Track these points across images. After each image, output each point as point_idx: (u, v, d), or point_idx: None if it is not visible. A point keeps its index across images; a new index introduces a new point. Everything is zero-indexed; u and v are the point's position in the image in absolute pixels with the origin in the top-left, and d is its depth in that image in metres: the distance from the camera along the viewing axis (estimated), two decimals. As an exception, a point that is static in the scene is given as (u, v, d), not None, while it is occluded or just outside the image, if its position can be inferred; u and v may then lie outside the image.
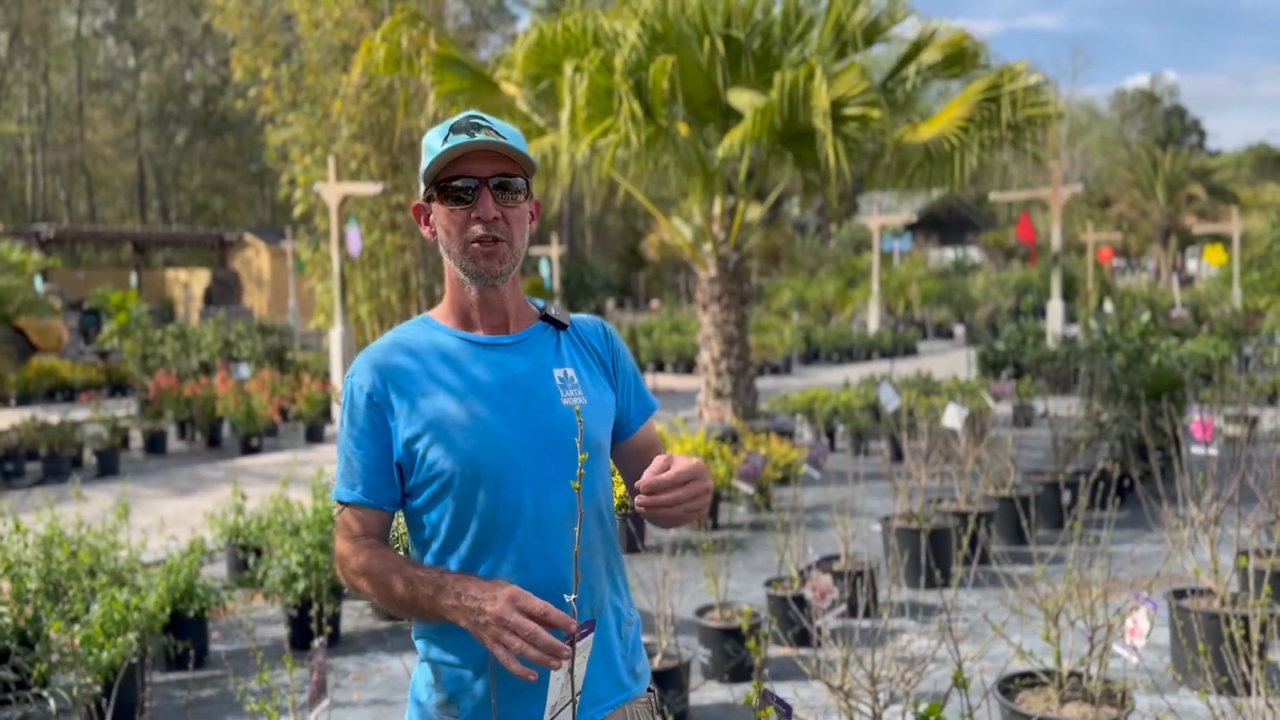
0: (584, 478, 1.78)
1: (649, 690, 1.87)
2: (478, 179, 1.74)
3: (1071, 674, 3.60)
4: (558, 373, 1.82)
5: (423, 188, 1.80)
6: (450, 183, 1.75)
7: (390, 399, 1.74)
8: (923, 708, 3.96)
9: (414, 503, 1.77)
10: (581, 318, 1.95)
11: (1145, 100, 61.18)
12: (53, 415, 11.51)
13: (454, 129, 1.75)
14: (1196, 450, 4.97)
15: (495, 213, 1.74)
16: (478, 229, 1.74)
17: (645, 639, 4.71)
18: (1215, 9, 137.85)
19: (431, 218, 1.81)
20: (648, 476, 1.60)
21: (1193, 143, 60.24)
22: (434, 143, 1.77)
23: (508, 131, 1.78)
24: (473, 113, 1.79)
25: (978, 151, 8.57)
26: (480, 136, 1.72)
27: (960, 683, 1.92)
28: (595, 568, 1.79)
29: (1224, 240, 29.43)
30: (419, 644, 1.81)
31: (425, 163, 1.77)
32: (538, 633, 1.49)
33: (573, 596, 1.49)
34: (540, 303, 1.92)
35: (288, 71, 14.00)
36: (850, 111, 8.00)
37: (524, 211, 1.80)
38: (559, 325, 1.89)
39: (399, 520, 1.90)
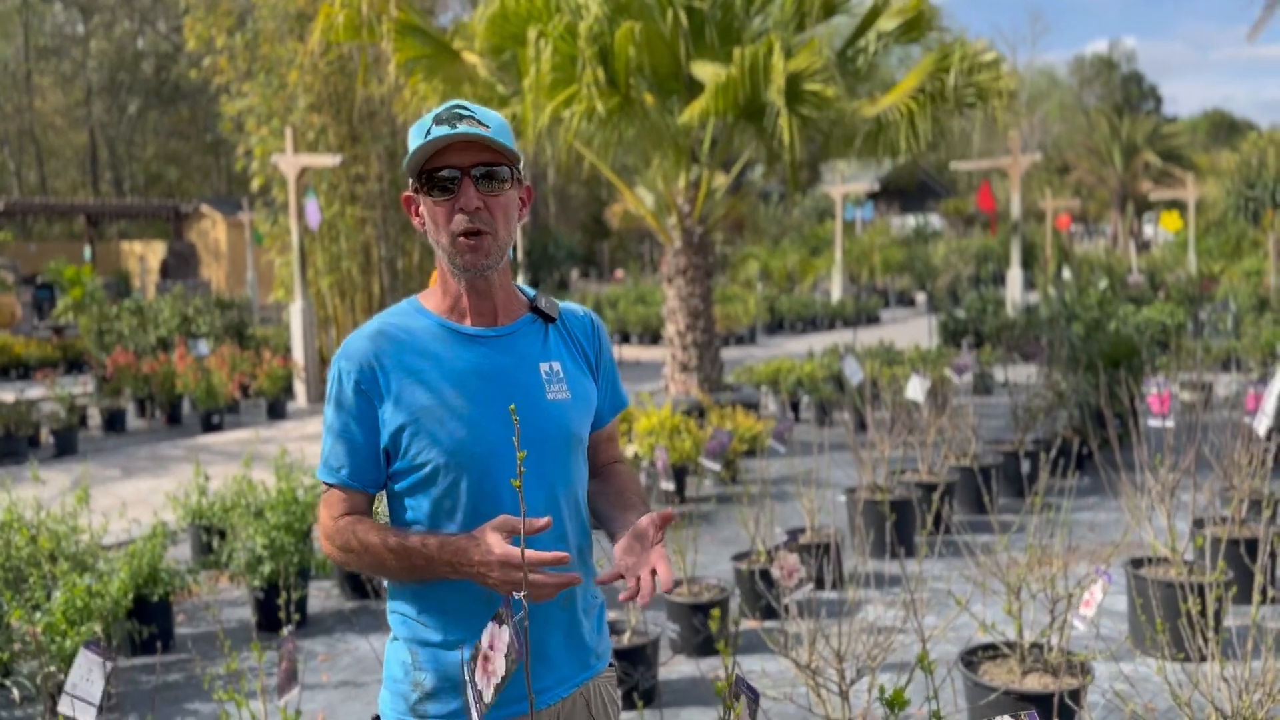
0: (564, 470, 1.84)
1: (610, 665, 1.94)
2: (460, 169, 1.74)
3: (1033, 645, 3.67)
4: (544, 366, 1.84)
5: (410, 180, 1.81)
6: (434, 174, 1.75)
7: (377, 385, 1.76)
8: (887, 682, 4.02)
9: (396, 486, 1.80)
10: (570, 308, 1.96)
11: (1104, 66, 61.58)
12: (7, 394, 11.32)
13: (437, 120, 1.75)
14: (1153, 423, 5.05)
15: (478, 202, 1.74)
16: (461, 221, 1.74)
17: (614, 615, 4.74)
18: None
19: (420, 209, 1.82)
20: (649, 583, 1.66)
21: (1150, 109, 60.82)
22: (419, 133, 1.77)
23: (492, 120, 1.78)
24: (456, 102, 1.79)
25: (928, 122, 8.60)
26: (462, 127, 1.72)
27: (926, 666, 1.95)
28: (569, 553, 1.82)
29: (1180, 206, 29.83)
30: (395, 619, 1.84)
31: (409, 153, 1.78)
32: (535, 583, 1.61)
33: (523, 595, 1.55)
34: (531, 292, 1.93)
35: (242, 40, 13.73)
36: (807, 88, 7.98)
37: (510, 200, 1.80)
38: (547, 318, 1.89)
39: (380, 498, 1.92)
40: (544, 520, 1.63)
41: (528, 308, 1.89)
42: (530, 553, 1.59)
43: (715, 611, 1.66)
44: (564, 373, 1.85)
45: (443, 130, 1.72)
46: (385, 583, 1.91)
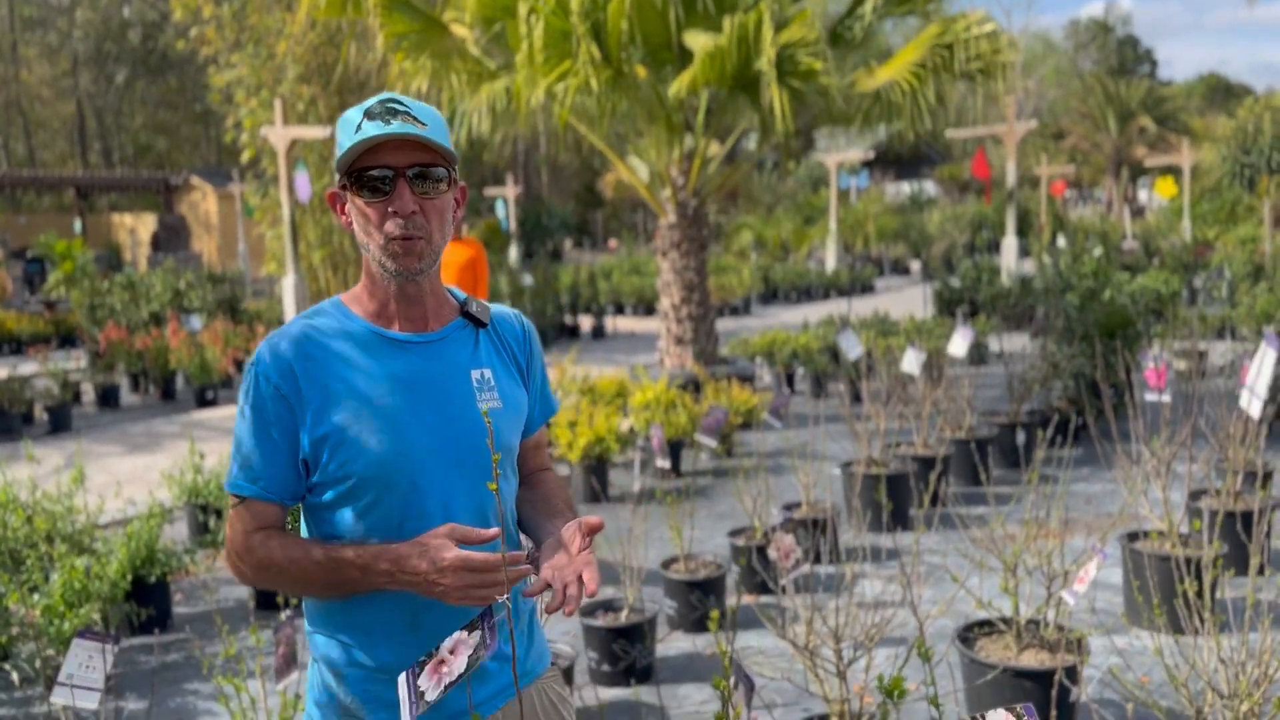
0: (497, 481, 1.77)
1: (552, 664, 1.91)
2: (394, 169, 1.64)
3: (1030, 622, 3.68)
4: (475, 374, 1.76)
5: (336, 176, 1.70)
6: (365, 173, 1.64)
7: (299, 392, 1.65)
8: (884, 658, 4.04)
9: (316, 499, 1.70)
10: (501, 312, 1.89)
11: (1099, 30, 61.20)
12: (0, 370, 11.27)
13: (369, 114, 1.64)
14: (1150, 397, 5.05)
15: (413, 206, 1.64)
16: (394, 226, 1.65)
17: (612, 591, 4.75)
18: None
19: (348, 207, 1.70)
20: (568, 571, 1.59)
21: (1145, 72, 60.53)
22: (348, 128, 1.65)
23: (428, 116, 1.68)
24: (388, 95, 1.68)
25: (930, 97, 8.55)
26: (396, 124, 1.61)
27: (924, 654, 1.95)
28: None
29: (1175, 172, 29.75)
30: (317, 640, 1.75)
31: (339, 148, 1.67)
32: (489, 584, 1.55)
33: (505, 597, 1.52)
34: (461, 295, 1.85)
35: (230, 10, 13.55)
36: (799, 59, 7.91)
37: (445, 202, 1.70)
38: (478, 323, 1.82)
39: (294, 511, 1.83)
40: (494, 530, 1.56)
41: (458, 312, 1.81)
42: (482, 555, 1.54)
43: (714, 613, 1.64)
44: (495, 380, 1.78)
45: (376, 126, 1.61)
46: (303, 607, 1.81)
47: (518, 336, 1.87)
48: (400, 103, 1.66)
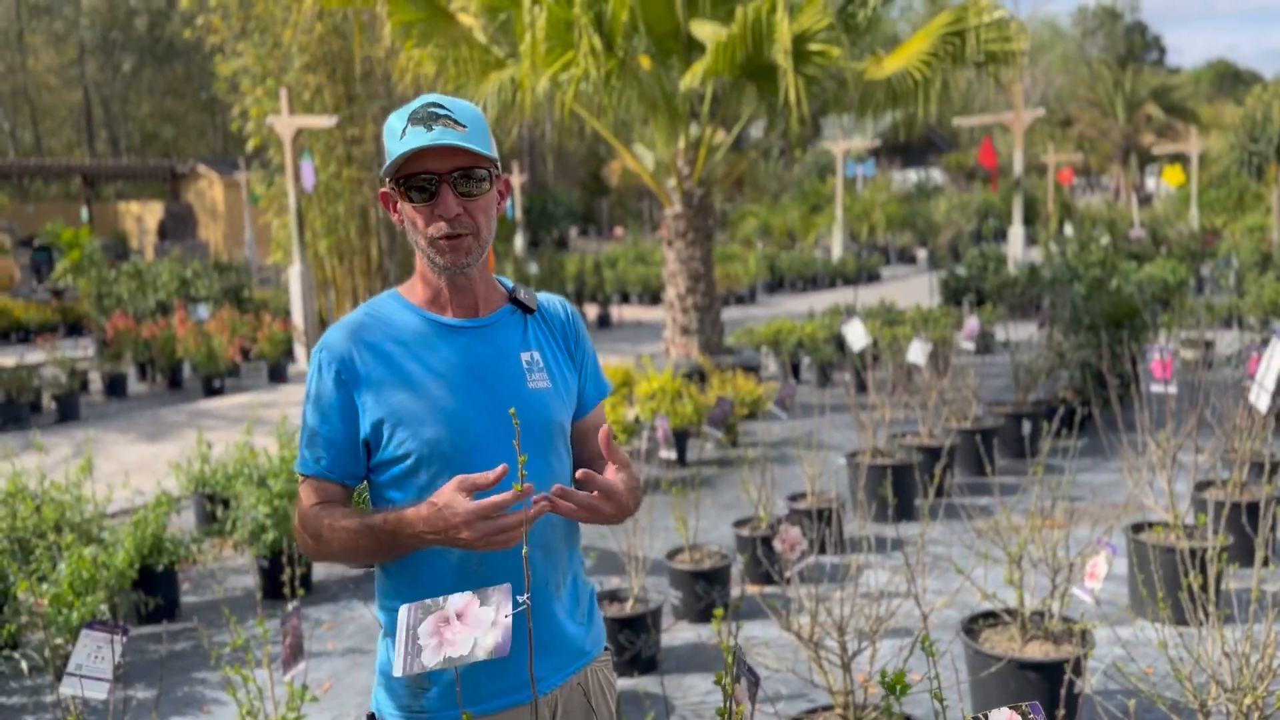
0: (546, 457, 1.83)
1: (606, 649, 1.96)
2: (437, 175, 1.73)
3: (1034, 613, 3.69)
4: (524, 356, 1.85)
5: (386, 180, 1.79)
6: (411, 178, 1.74)
7: (359, 377, 1.76)
8: (888, 650, 4.05)
9: (379, 479, 1.80)
10: (547, 299, 1.97)
11: (1107, 16, 60.82)
12: (8, 358, 11.32)
13: (413, 118, 1.72)
14: (1156, 389, 5.05)
15: (457, 209, 1.74)
16: (439, 228, 1.74)
17: (617, 583, 4.77)
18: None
19: (399, 206, 1.80)
20: (599, 480, 1.70)
21: (1153, 59, 60.18)
22: (393, 135, 1.74)
23: (468, 117, 1.75)
24: (431, 99, 1.75)
25: (939, 87, 8.52)
26: (437, 130, 1.70)
27: (928, 649, 1.96)
28: (557, 544, 1.84)
29: (1183, 160, 29.61)
30: (382, 616, 1.85)
31: (386, 155, 1.75)
32: (508, 525, 1.59)
33: (525, 596, 1.49)
34: (509, 284, 1.94)
35: (235, -1, 13.53)
36: (812, 48, 7.89)
37: (489, 199, 1.79)
38: (526, 309, 1.91)
39: (361, 488, 1.91)
40: (499, 469, 1.60)
41: (507, 299, 1.90)
42: (493, 498, 1.58)
43: (718, 612, 1.64)
44: (544, 362, 1.86)
45: (419, 133, 1.70)
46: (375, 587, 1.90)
47: (563, 321, 1.95)
48: (442, 106, 1.74)
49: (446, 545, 1.65)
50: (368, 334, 1.79)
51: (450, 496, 1.62)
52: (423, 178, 1.72)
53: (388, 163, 1.74)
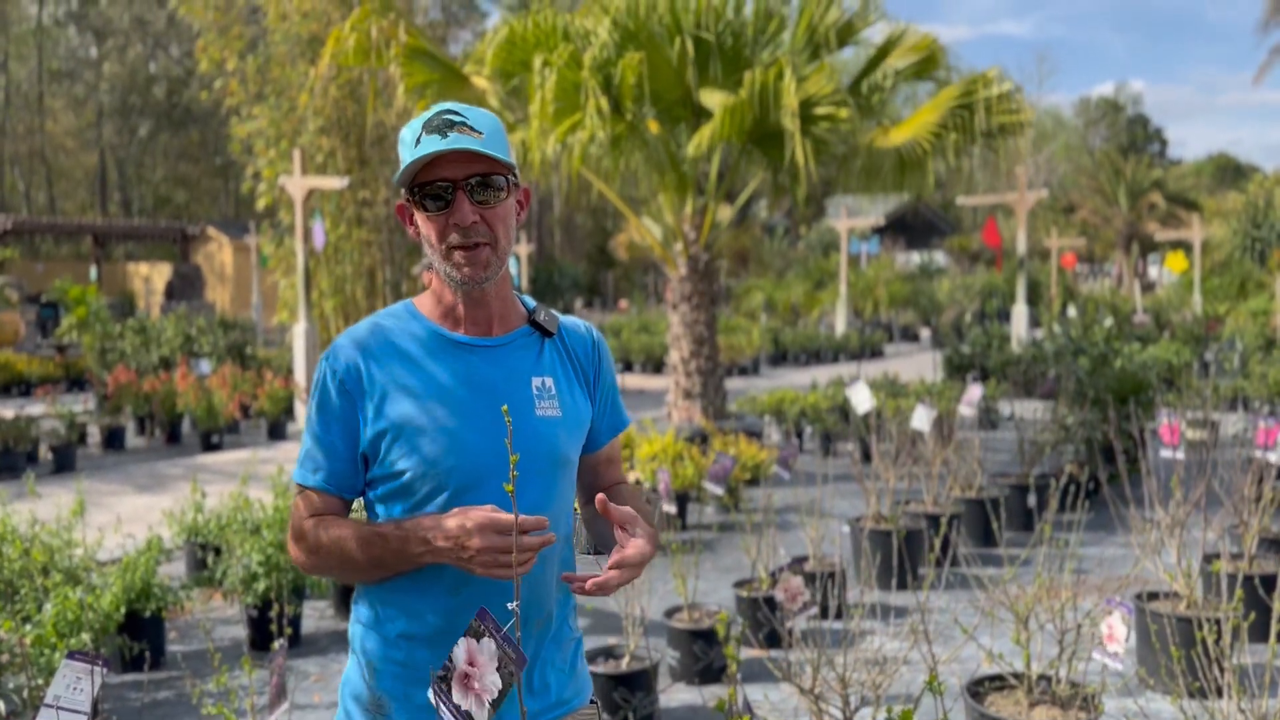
0: (548, 491, 1.75)
1: (591, 701, 1.85)
2: (453, 182, 1.67)
3: (1040, 677, 3.59)
4: (535, 381, 1.76)
5: (402, 190, 1.74)
6: (425, 186, 1.68)
7: (362, 388, 1.70)
8: (894, 710, 3.93)
9: (372, 494, 1.74)
10: (571, 323, 1.89)
11: (1109, 108, 61.92)
12: (8, 410, 11.28)
13: (427, 127, 1.67)
14: (1165, 454, 4.98)
15: (473, 217, 1.68)
16: (455, 237, 1.68)
17: (614, 640, 4.65)
18: (1180, 20, 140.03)
19: (415, 218, 1.75)
20: (615, 557, 1.62)
21: (1155, 151, 61.08)
22: (408, 142, 1.70)
23: (485, 124, 1.70)
24: (446, 106, 1.70)
25: (950, 158, 8.61)
26: (453, 137, 1.65)
27: (935, 688, 1.88)
28: (548, 580, 1.75)
29: (1185, 247, 29.83)
30: (356, 631, 1.77)
31: (401, 164, 1.70)
32: (524, 547, 1.53)
33: (514, 604, 1.45)
34: (531, 303, 1.85)
35: (254, 64, 13.79)
36: (819, 111, 7.99)
37: (508, 208, 1.73)
38: (546, 332, 1.82)
39: (358, 504, 1.85)
40: (535, 520, 1.55)
41: (525, 320, 1.82)
42: (510, 516, 1.53)
43: (729, 649, 1.58)
44: (556, 389, 1.77)
45: (434, 140, 1.65)
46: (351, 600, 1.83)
47: (586, 348, 1.87)
48: (457, 113, 1.69)
49: (452, 557, 1.58)
50: (375, 344, 1.73)
51: (473, 507, 1.58)
52: (438, 185, 1.67)
53: (400, 171, 1.70)
